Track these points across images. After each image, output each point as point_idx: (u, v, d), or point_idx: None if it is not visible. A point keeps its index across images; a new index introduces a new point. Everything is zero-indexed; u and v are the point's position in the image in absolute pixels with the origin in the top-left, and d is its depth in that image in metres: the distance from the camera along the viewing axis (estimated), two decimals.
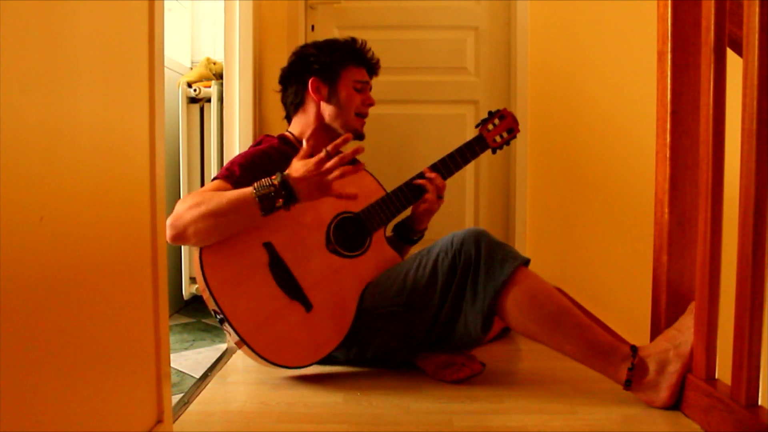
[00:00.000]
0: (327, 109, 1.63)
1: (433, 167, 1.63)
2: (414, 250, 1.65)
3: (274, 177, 1.34)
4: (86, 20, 0.76)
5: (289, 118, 1.71)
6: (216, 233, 1.35)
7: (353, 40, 1.69)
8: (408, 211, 1.67)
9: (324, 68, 1.63)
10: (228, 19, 1.90)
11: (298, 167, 1.35)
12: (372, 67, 1.71)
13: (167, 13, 1.63)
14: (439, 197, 1.64)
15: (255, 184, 1.34)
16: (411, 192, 1.61)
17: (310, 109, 1.65)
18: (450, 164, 1.64)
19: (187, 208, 1.33)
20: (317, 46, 1.68)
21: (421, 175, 1.62)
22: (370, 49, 1.70)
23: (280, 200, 1.32)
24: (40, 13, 0.66)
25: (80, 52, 0.74)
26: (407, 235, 1.70)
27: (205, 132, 2.13)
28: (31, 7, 0.64)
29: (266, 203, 1.32)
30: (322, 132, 1.63)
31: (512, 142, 2.36)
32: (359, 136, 1.67)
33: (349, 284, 1.48)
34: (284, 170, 1.48)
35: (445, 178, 1.64)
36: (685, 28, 1.29)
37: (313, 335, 1.41)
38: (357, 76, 1.65)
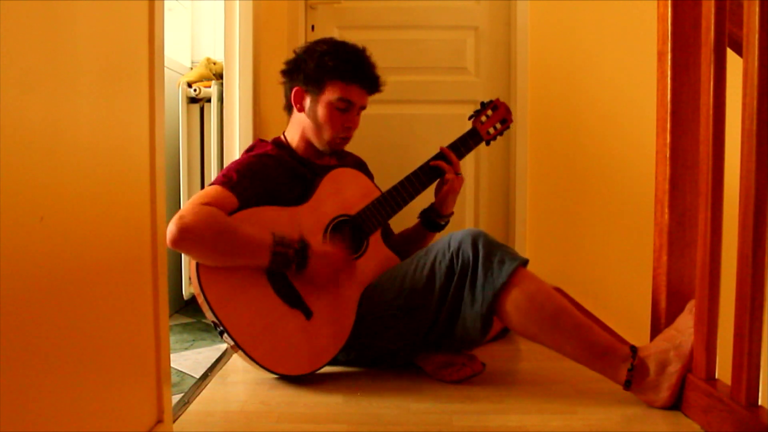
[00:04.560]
0: (305, 122, 1.56)
1: (449, 147, 1.64)
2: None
3: (296, 242, 1.37)
4: (86, 20, 0.76)
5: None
6: (219, 262, 1.35)
7: (354, 53, 1.54)
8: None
9: (308, 79, 1.53)
10: (228, 19, 1.90)
11: (323, 253, 1.41)
12: (367, 85, 1.55)
13: (167, 13, 1.63)
14: (458, 174, 1.62)
15: (275, 237, 1.36)
16: (426, 176, 1.60)
17: (296, 116, 1.59)
18: (461, 147, 1.64)
19: (205, 225, 1.31)
20: (311, 50, 1.55)
21: (438, 156, 1.62)
22: (371, 64, 1.56)
23: (293, 266, 1.38)
24: (40, 13, 0.66)
25: (80, 52, 0.74)
26: (434, 221, 1.68)
27: (205, 132, 2.13)
28: (31, 7, 0.64)
29: (279, 261, 1.36)
30: (309, 142, 1.59)
31: (512, 142, 2.39)
32: (335, 152, 1.61)
33: (348, 288, 1.48)
34: (280, 175, 1.48)
35: (459, 158, 1.63)
36: (685, 28, 1.29)
37: (314, 343, 1.40)
38: (342, 93, 1.51)
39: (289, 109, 1.63)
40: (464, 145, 1.65)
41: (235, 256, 1.35)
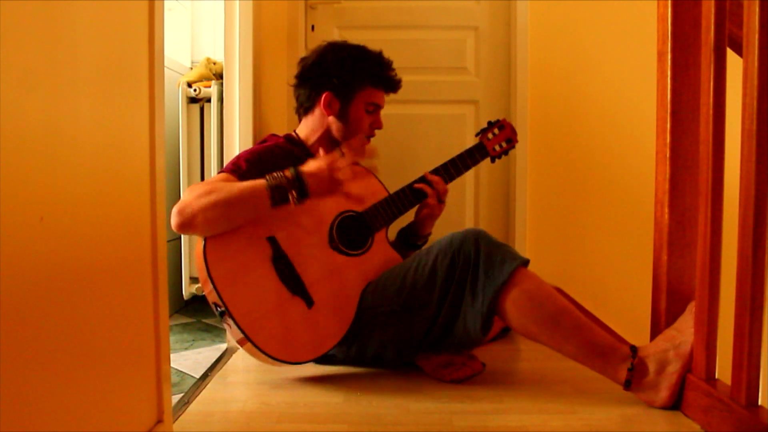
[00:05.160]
0: (335, 124, 1.62)
1: (435, 171, 1.64)
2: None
3: (286, 170, 1.36)
4: (86, 20, 0.76)
5: (299, 114, 1.71)
6: (225, 223, 1.35)
7: (379, 59, 1.64)
8: (412, 213, 1.67)
9: (341, 86, 1.60)
10: (228, 19, 1.90)
11: (311, 164, 1.38)
12: (393, 89, 1.67)
13: (167, 13, 1.62)
14: (440, 201, 1.64)
15: (267, 176, 1.35)
16: (412, 195, 1.62)
17: (319, 116, 1.63)
18: (451, 169, 1.65)
19: (196, 196, 1.33)
20: (341, 58, 1.62)
21: (422, 179, 1.63)
22: (393, 69, 1.66)
23: (294, 192, 1.34)
24: (40, 13, 0.66)
25: (80, 52, 0.74)
26: (411, 240, 1.70)
27: (205, 132, 2.14)
28: (31, 7, 0.64)
29: (278, 195, 1.34)
30: (328, 140, 1.63)
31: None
32: None
33: (351, 282, 1.48)
34: (288, 166, 1.49)
35: (446, 182, 1.64)
36: (685, 28, 1.29)
37: (314, 331, 1.41)
38: (372, 98, 1.62)
39: (305, 110, 1.66)
40: (471, 157, 1.67)
41: (236, 206, 1.34)
